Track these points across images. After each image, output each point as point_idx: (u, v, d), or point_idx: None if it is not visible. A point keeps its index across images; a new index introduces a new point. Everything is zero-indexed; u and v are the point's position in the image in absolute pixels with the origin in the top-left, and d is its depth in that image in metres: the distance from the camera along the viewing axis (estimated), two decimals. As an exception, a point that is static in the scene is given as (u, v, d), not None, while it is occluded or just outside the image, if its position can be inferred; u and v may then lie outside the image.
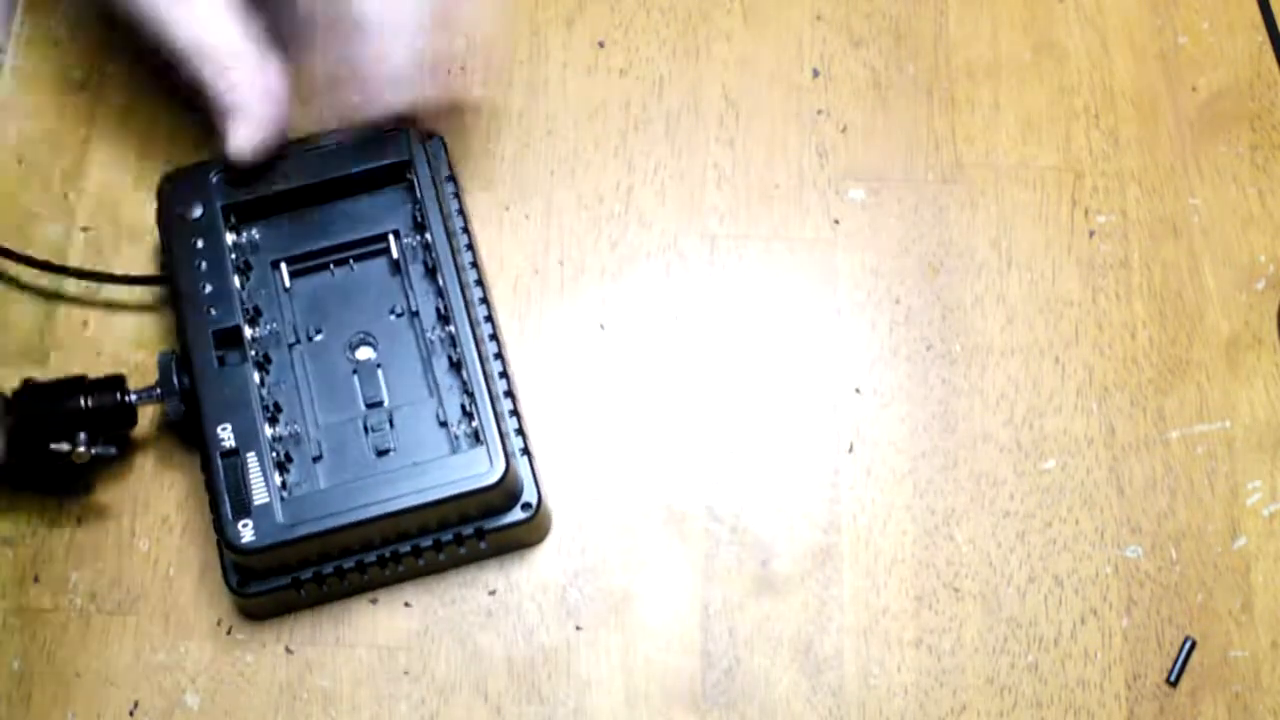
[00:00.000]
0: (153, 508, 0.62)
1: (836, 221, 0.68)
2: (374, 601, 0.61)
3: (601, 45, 0.71)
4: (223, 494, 0.58)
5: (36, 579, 0.61)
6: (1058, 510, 0.63)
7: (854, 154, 0.69)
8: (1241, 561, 0.63)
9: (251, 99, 0.61)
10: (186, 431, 0.62)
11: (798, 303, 0.67)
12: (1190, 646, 0.61)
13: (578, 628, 0.61)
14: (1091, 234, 0.68)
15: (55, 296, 0.66)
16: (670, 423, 0.64)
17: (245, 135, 0.61)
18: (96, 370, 0.61)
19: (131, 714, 0.59)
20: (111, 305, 0.66)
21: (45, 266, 0.65)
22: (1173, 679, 0.61)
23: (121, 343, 0.65)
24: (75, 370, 0.61)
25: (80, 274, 0.65)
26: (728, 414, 0.64)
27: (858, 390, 0.65)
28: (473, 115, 0.69)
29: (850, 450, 0.64)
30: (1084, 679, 0.61)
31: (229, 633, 0.61)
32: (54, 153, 0.68)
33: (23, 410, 0.59)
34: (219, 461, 0.58)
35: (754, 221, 0.68)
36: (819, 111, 0.70)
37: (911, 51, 0.71)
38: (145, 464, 0.63)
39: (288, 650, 0.60)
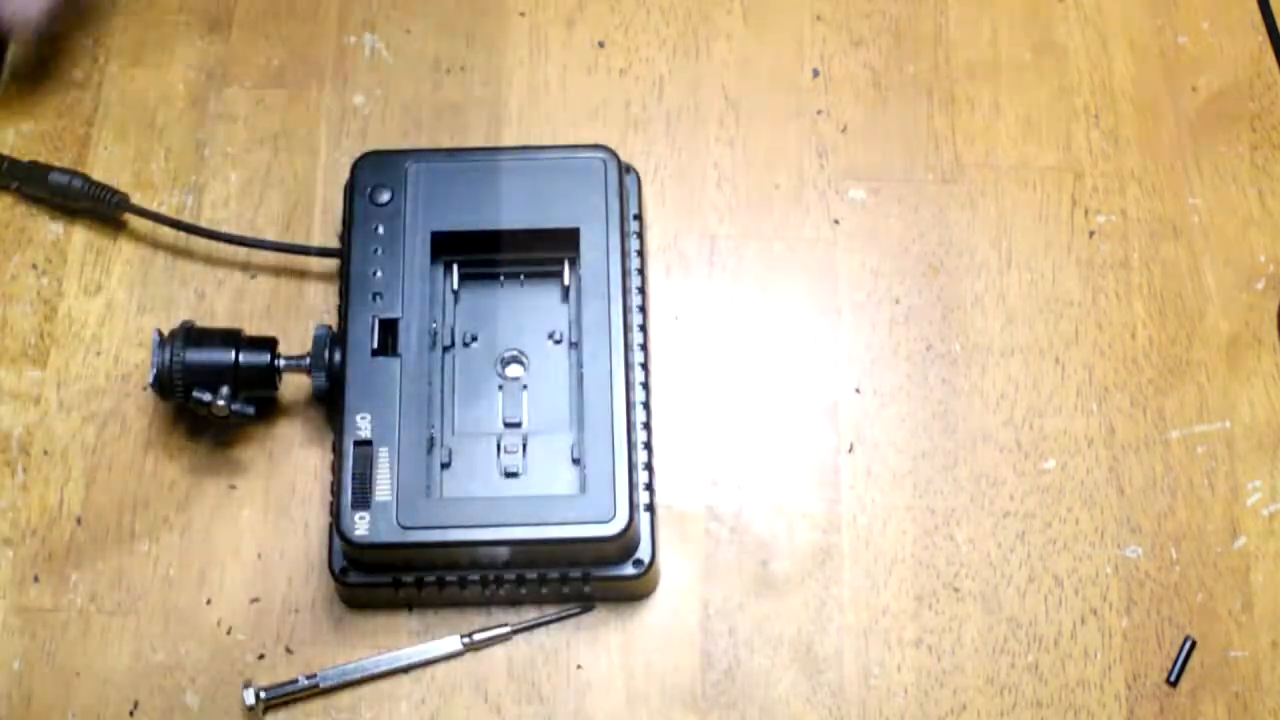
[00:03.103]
0: (153, 507, 0.62)
1: (836, 221, 0.68)
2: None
3: (601, 45, 0.71)
4: (347, 483, 0.57)
5: (36, 579, 0.61)
6: (1058, 510, 0.63)
7: (854, 154, 0.69)
8: (1241, 561, 0.63)
9: None
10: (328, 408, 0.62)
11: (798, 303, 0.67)
12: (1190, 646, 0.61)
13: (578, 628, 0.61)
14: (1091, 234, 0.68)
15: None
16: (670, 422, 0.64)
17: None
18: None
19: (131, 714, 0.59)
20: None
21: (226, 239, 0.65)
22: (1173, 679, 0.61)
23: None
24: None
25: (273, 245, 0.66)
26: (728, 414, 0.64)
27: (858, 390, 0.65)
28: (473, 110, 0.69)
29: (850, 450, 0.64)
30: (1084, 679, 0.61)
31: (229, 633, 0.61)
32: (53, 152, 0.68)
33: (173, 351, 0.60)
34: (351, 449, 0.58)
35: (754, 221, 0.68)
36: (819, 111, 0.70)
37: (911, 51, 0.71)
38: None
39: (288, 650, 0.60)
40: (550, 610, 0.60)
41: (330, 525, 0.59)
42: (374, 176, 0.63)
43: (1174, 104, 0.70)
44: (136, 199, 0.67)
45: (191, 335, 0.61)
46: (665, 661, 0.60)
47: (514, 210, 0.62)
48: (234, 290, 0.66)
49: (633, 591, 0.60)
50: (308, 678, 0.59)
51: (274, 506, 0.62)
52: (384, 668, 0.59)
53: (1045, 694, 0.60)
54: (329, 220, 0.67)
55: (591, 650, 0.61)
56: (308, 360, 0.61)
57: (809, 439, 0.64)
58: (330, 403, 0.60)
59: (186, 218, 0.67)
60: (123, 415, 0.64)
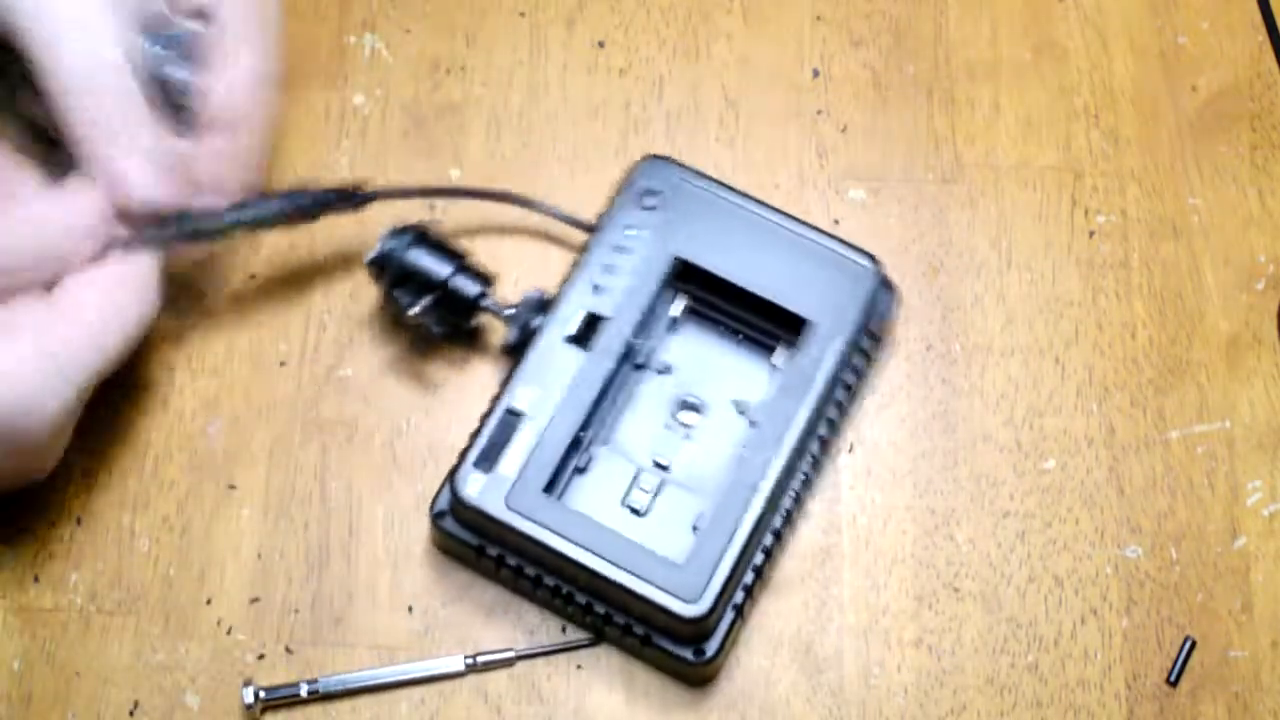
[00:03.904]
0: (153, 507, 0.62)
1: (836, 221, 0.68)
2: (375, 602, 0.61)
3: (601, 45, 0.71)
4: (481, 441, 0.58)
5: (36, 579, 0.61)
6: (1058, 510, 0.63)
7: (854, 154, 0.69)
8: (1241, 561, 0.63)
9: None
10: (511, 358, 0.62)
11: (798, 303, 0.67)
12: (1190, 646, 0.61)
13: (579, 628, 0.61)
14: (1091, 234, 0.68)
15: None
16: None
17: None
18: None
19: (131, 714, 0.59)
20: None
21: (484, 194, 0.66)
22: (1173, 679, 0.61)
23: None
24: None
25: (526, 202, 0.66)
26: (728, 414, 0.65)
27: (858, 390, 0.65)
28: (473, 110, 0.69)
29: (850, 450, 0.64)
30: (1084, 679, 0.61)
31: (229, 633, 0.61)
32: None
33: (399, 243, 0.61)
34: (500, 412, 0.58)
35: (754, 221, 0.68)
36: (819, 111, 0.70)
37: (911, 51, 0.71)
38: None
39: (288, 650, 0.60)
40: (559, 641, 0.60)
41: (449, 471, 0.59)
42: (651, 179, 0.62)
43: (1174, 104, 0.70)
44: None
45: (421, 238, 0.62)
46: (665, 661, 0.60)
47: (760, 272, 0.61)
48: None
49: (683, 674, 0.59)
50: (309, 683, 0.59)
51: (274, 506, 0.62)
52: (384, 679, 0.59)
53: (1045, 694, 0.60)
54: (329, 218, 0.67)
55: (592, 650, 0.61)
56: (511, 311, 0.61)
57: (809, 439, 0.64)
58: (509, 358, 0.61)
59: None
60: (123, 415, 0.64)
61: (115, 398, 0.63)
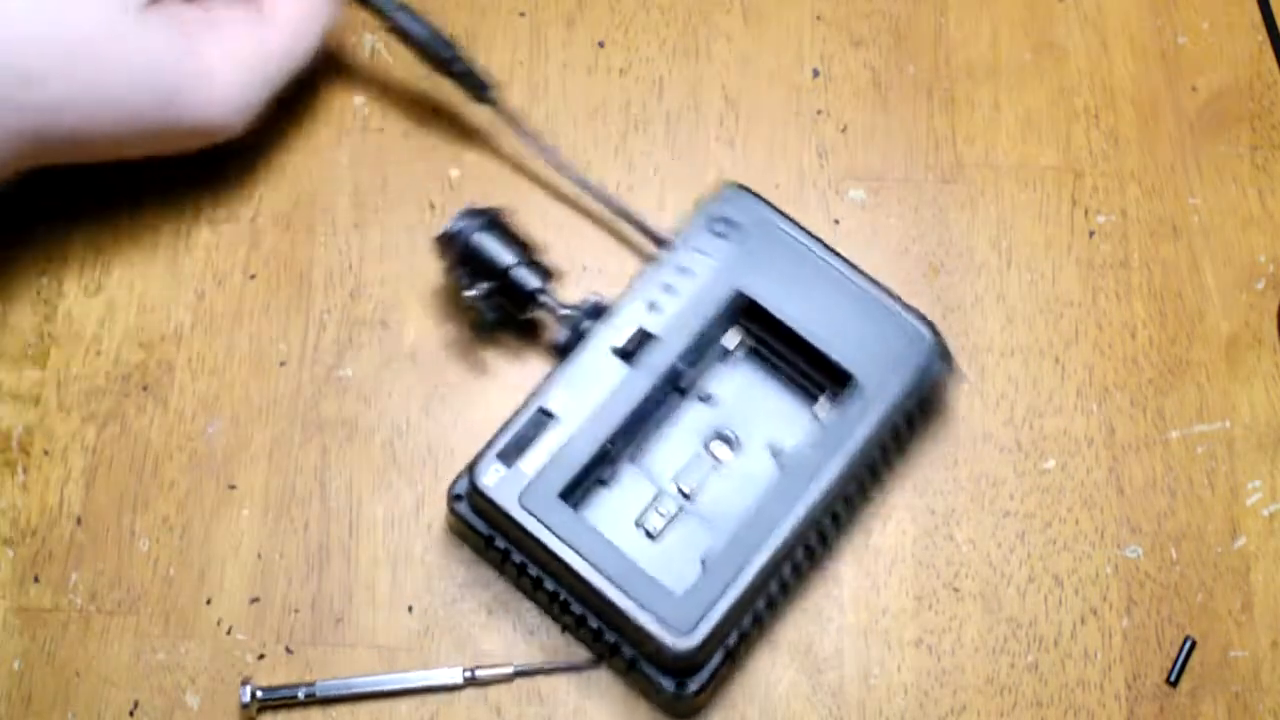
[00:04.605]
0: (153, 507, 0.62)
1: (836, 221, 0.68)
2: (374, 602, 0.61)
3: (601, 45, 0.71)
4: (507, 434, 0.58)
5: (36, 579, 0.61)
6: (1058, 510, 0.63)
7: (854, 154, 0.69)
8: (1241, 561, 0.63)
9: None
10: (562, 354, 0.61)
11: (798, 303, 0.67)
12: (1190, 646, 0.61)
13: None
14: (1091, 234, 0.68)
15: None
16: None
17: None
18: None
19: (131, 714, 0.59)
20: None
21: (575, 178, 0.66)
22: (1173, 679, 0.61)
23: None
24: None
25: (609, 202, 0.66)
26: (728, 414, 0.65)
27: (858, 390, 0.65)
28: (474, 110, 0.69)
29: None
30: (1084, 679, 0.61)
31: (229, 633, 0.61)
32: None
33: (469, 224, 0.61)
34: (532, 410, 0.58)
35: (754, 221, 0.68)
36: (819, 111, 0.70)
37: (911, 51, 0.71)
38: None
39: (288, 650, 0.60)
40: (561, 660, 0.60)
41: (472, 460, 0.59)
42: (729, 208, 0.62)
43: (1174, 104, 0.70)
44: (137, 199, 0.67)
45: (492, 222, 0.61)
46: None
47: (818, 321, 0.60)
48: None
49: (664, 704, 0.59)
50: (306, 687, 0.59)
51: (274, 506, 0.62)
52: (383, 687, 0.59)
53: (1045, 694, 0.60)
54: (329, 219, 0.67)
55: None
56: (566, 312, 0.61)
57: (809, 439, 0.64)
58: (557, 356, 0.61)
59: (189, 212, 0.67)
60: (123, 415, 0.64)
61: (116, 397, 0.64)
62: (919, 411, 0.62)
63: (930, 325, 0.60)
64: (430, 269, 0.65)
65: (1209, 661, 0.61)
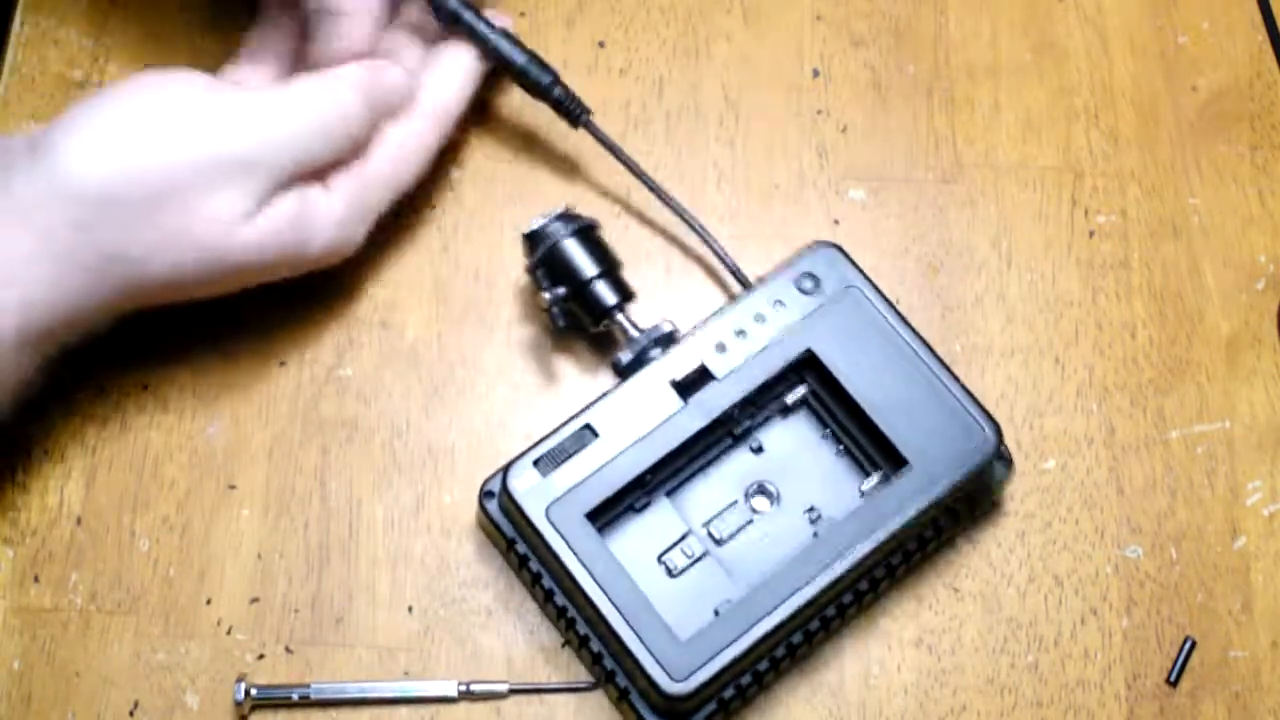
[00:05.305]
0: (153, 507, 0.62)
1: (836, 221, 0.68)
2: (373, 601, 0.61)
3: (601, 45, 0.71)
4: (549, 443, 0.58)
5: (36, 579, 0.61)
6: (1058, 510, 0.63)
7: (854, 154, 0.69)
8: (1241, 561, 0.63)
9: None
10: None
11: (798, 303, 0.67)
12: (1190, 646, 0.61)
13: (578, 628, 0.61)
14: (1091, 234, 0.68)
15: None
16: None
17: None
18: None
19: (131, 714, 0.59)
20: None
21: (670, 202, 0.66)
22: (1173, 679, 0.61)
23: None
24: None
25: (699, 230, 0.66)
26: (728, 414, 0.64)
27: (858, 390, 0.65)
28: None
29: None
30: (1084, 679, 0.61)
31: (229, 633, 0.61)
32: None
33: (556, 229, 0.61)
34: (577, 424, 0.58)
35: (754, 221, 0.68)
36: (819, 111, 0.70)
37: (911, 51, 0.71)
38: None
39: (288, 650, 0.60)
40: (558, 681, 0.60)
41: (509, 462, 0.59)
42: (817, 265, 0.61)
43: (1174, 104, 0.70)
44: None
45: (582, 231, 0.62)
46: (665, 661, 0.60)
47: (883, 397, 0.59)
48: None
49: None
50: (300, 689, 0.59)
51: (274, 506, 0.62)
52: (378, 694, 0.59)
53: (1045, 694, 0.60)
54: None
55: (591, 650, 0.61)
56: (635, 335, 0.61)
57: (809, 439, 0.64)
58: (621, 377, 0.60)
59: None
60: (123, 415, 0.64)
61: (116, 398, 0.64)
62: (967, 507, 0.61)
63: (996, 426, 0.59)
64: (431, 269, 0.65)
65: (1209, 661, 0.61)
